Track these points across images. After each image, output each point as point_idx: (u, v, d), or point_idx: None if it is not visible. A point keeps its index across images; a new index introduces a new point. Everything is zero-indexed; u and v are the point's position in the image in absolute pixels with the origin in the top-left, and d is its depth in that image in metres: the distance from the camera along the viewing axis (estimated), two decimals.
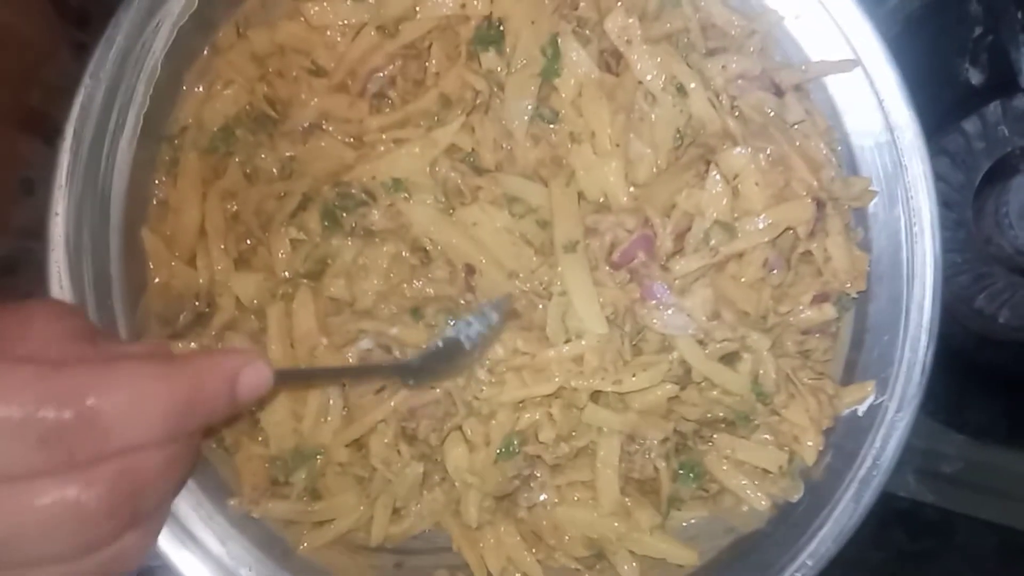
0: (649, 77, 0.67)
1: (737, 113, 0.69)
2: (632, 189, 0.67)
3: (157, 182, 0.69)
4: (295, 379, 0.62)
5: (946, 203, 0.84)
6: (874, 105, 0.69)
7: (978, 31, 0.85)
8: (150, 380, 0.44)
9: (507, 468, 0.65)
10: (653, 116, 0.68)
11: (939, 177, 0.82)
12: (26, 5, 0.77)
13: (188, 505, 0.65)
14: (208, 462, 0.68)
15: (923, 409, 0.81)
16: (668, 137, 0.68)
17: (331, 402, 0.66)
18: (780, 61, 0.71)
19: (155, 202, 0.69)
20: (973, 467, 0.85)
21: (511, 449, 0.65)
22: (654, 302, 0.64)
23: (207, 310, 0.68)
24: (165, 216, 0.69)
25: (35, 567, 0.43)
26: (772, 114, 0.68)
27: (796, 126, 0.69)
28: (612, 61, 0.69)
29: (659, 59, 0.67)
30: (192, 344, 0.66)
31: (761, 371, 0.66)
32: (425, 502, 0.68)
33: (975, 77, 0.85)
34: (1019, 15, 0.82)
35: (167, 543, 0.64)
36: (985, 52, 0.85)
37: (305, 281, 0.66)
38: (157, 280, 0.68)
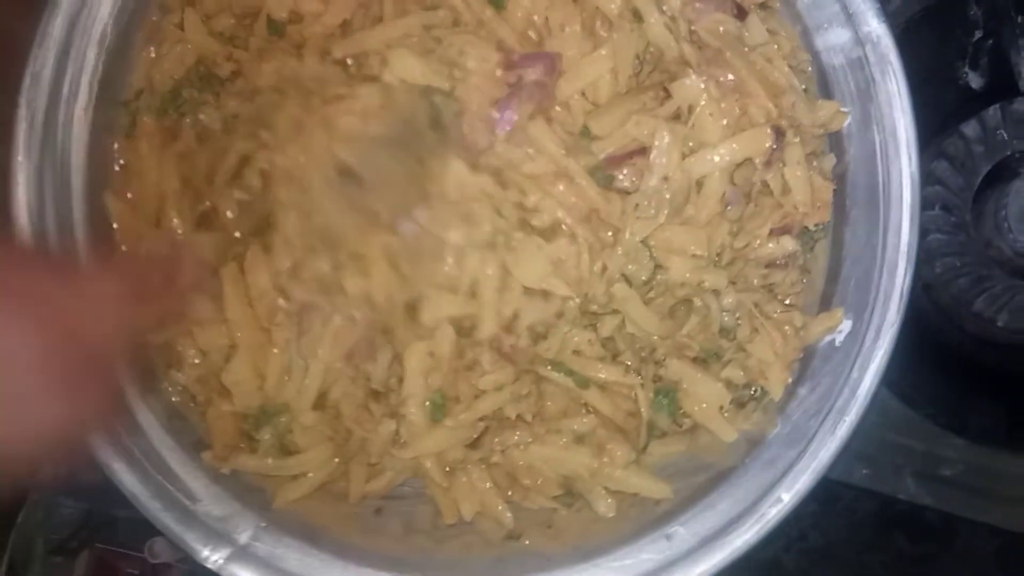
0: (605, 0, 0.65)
1: (694, 38, 0.66)
2: (589, 107, 0.66)
3: (116, 147, 0.69)
4: None
5: (945, 206, 0.84)
6: (843, 19, 0.67)
7: (978, 35, 0.84)
8: None
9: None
10: (611, 42, 0.66)
11: (938, 180, 0.82)
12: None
13: (167, 460, 0.66)
14: (184, 418, 0.69)
15: (922, 412, 0.82)
16: (627, 62, 0.66)
17: (293, 356, 0.66)
18: None
19: (116, 167, 0.69)
20: (973, 470, 0.84)
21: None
22: None
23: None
24: (128, 180, 0.69)
25: None
26: (731, 37, 0.66)
27: (758, 49, 0.66)
28: None
29: None
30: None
31: (715, 307, 0.65)
32: (398, 457, 0.68)
33: (975, 81, 0.85)
34: (1019, 19, 0.81)
35: (145, 498, 0.65)
36: (985, 56, 0.84)
37: (253, 239, 0.66)
38: (124, 245, 0.69)
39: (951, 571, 0.88)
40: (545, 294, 0.64)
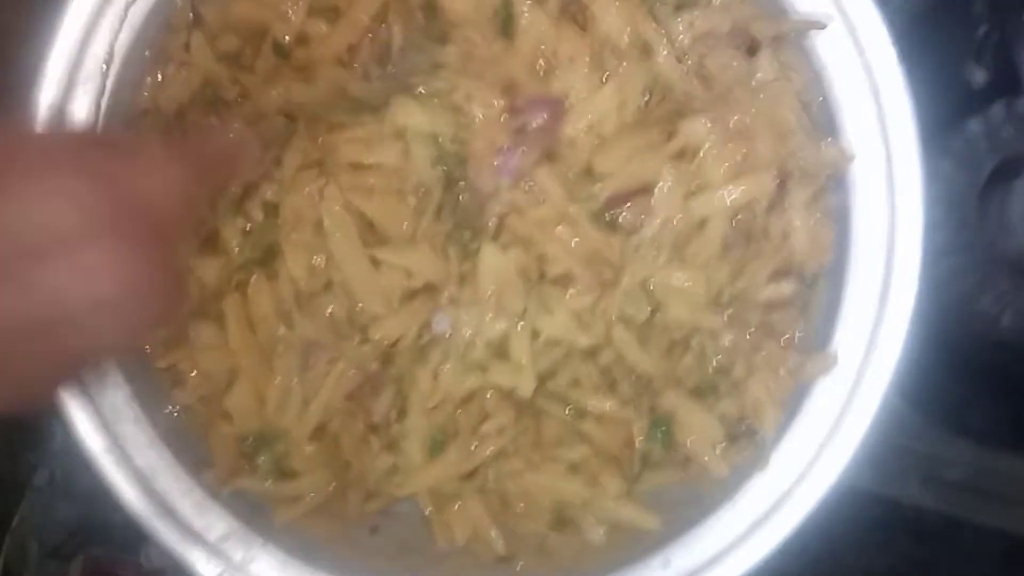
0: (613, 32, 0.65)
1: (704, 73, 0.66)
2: (596, 141, 0.66)
3: None
4: None
5: (949, 205, 0.82)
6: (855, 54, 0.66)
7: (982, 31, 0.83)
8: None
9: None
10: (620, 73, 0.66)
11: (942, 179, 0.80)
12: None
13: (167, 479, 0.67)
14: (185, 438, 0.69)
15: (926, 415, 0.82)
16: (636, 94, 0.66)
17: (293, 385, 0.66)
18: (756, 10, 0.67)
19: None
20: (978, 473, 0.84)
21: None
22: None
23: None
24: None
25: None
26: (741, 74, 0.66)
27: (767, 86, 0.66)
28: (578, 12, 0.67)
29: (623, 13, 0.65)
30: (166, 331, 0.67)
31: (711, 347, 0.65)
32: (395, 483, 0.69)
33: (979, 78, 0.83)
34: None
35: (144, 514, 0.66)
36: (989, 52, 0.83)
37: (257, 268, 0.66)
38: None
39: (956, 574, 0.88)
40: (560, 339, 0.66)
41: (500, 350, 0.66)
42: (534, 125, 0.63)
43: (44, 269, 0.40)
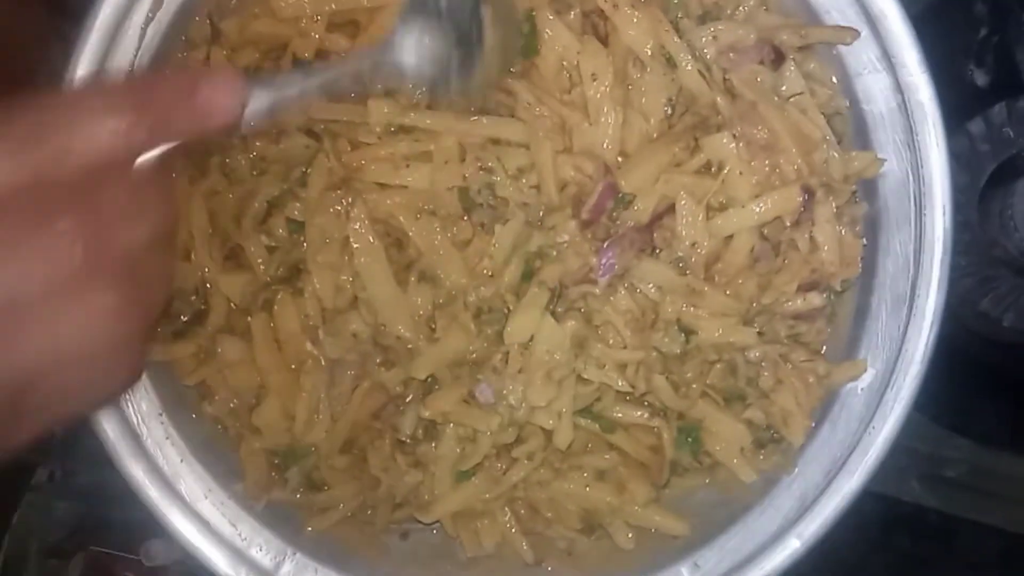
0: (636, 45, 0.64)
1: (728, 86, 0.65)
2: (620, 159, 0.65)
3: None
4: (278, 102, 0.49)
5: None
6: (884, 65, 0.65)
7: (983, 32, 0.82)
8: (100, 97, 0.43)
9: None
10: (643, 85, 0.65)
11: None
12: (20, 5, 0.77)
13: (199, 490, 0.68)
14: (215, 450, 0.70)
15: (927, 413, 0.82)
16: (659, 106, 0.65)
17: (321, 402, 0.67)
18: (782, 20, 0.66)
19: None
20: (977, 472, 0.85)
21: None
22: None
23: (203, 307, 0.69)
24: None
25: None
26: (766, 88, 0.65)
27: (793, 99, 0.65)
28: (600, 23, 0.66)
29: (646, 25, 0.64)
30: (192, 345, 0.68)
31: (740, 361, 0.65)
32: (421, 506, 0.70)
33: (980, 78, 0.83)
34: None
35: (181, 526, 0.67)
36: (990, 53, 0.82)
37: (283, 286, 0.66)
38: None
39: (955, 573, 0.89)
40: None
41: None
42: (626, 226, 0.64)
43: (26, 326, 0.40)
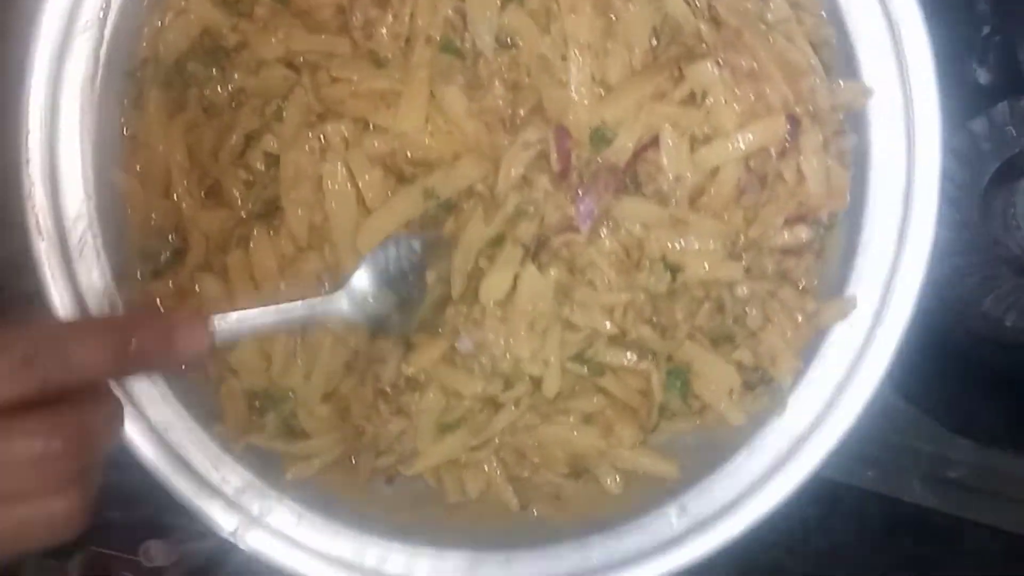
0: None
1: (713, 14, 0.64)
2: (601, 91, 0.64)
3: (122, 119, 0.68)
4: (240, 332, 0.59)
5: (952, 204, 0.82)
6: None
7: (986, 30, 0.82)
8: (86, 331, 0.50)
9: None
10: (627, 15, 0.64)
11: (945, 177, 0.78)
12: None
13: (181, 430, 0.68)
14: (198, 392, 0.69)
15: (929, 414, 0.82)
16: (643, 36, 0.64)
17: (298, 347, 0.67)
18: None
19: (125, 138, 0.69)
20: (980, 472, 0.84)
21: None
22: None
23: (182, 246, 0.68)
24: (136, 152, 0.68)
25: None
26: (752, 15, 0.64)
27: (779, 26, 0.64)
28: None
29: None
30: (170, 283, 0.67)
31: (728, 298, 0.64)
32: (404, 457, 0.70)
33: (982, 77, 0.83)
34: None
35: (161, 468, 0.66)
36: (993, 52, 0.82)
37: (260, 223, 0.65)
38: (134, 217, 0.68)
39: (957, 573, 0.88)
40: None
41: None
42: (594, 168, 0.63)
43: None
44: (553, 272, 0.63)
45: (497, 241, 0.64)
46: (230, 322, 0.55)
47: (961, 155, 0.81)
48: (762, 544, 0.84)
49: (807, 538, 0.88)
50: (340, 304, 0.62)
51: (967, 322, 0.84)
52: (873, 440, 0.81)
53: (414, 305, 0.65)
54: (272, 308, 0.58)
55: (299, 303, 0.59)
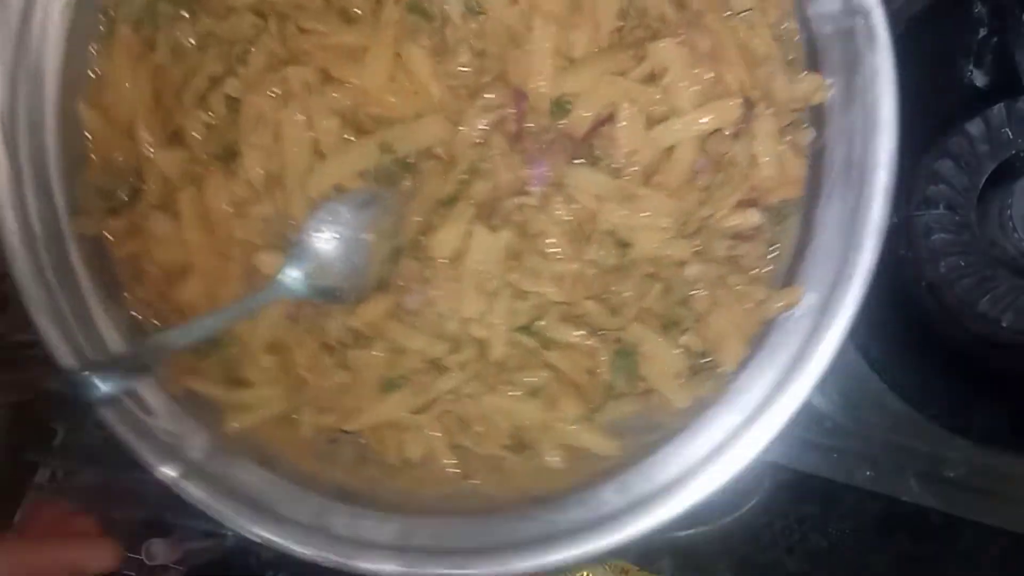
0: None
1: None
2: (565, 64, 0.64)
3: (92, 54, 0.69)
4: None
5: (949, 206, 0.83)
6: None
7: (982, 33, 0.83)
8: None
9: None
10: None
11: (942, 179, 0.81)
12: None
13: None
14: (144, 333, 0.69)
15: (926, 413, 0.82)
16: (610, 15, 0.65)
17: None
18: None
19: (92, 75, 0.69)
20: (977, 472, 0.84)
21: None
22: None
23: (141, 186, 0.68)
24: (102, 90, 0.69)
25: None
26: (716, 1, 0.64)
27: (743, 13, 0.65)
28: None
29: None
30: (127, 222, 0.67)
31: (677, 279, 0.65)
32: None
33: (979, 79, 0.84)
34: None
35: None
36: (989, 54, 0.83)
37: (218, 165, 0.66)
38: (95, 154, 0.69)
39: (955, 573, 0.89)
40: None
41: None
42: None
43: None
44: (505, 234, 0.64)
45: (451, 200, 0.64)
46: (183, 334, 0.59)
47: (958, 157, 0.82)
48: (761, 544, 0.87)
49: (805, 537, 0.89)
50: (288, 285, 0.62)
51: (964, 323, 0.84)
52: (870, 440, 0.81)
53: (362, 272, 0.65)
54: (223, 310, 0.60)
55: (245, 299, 0.61)
